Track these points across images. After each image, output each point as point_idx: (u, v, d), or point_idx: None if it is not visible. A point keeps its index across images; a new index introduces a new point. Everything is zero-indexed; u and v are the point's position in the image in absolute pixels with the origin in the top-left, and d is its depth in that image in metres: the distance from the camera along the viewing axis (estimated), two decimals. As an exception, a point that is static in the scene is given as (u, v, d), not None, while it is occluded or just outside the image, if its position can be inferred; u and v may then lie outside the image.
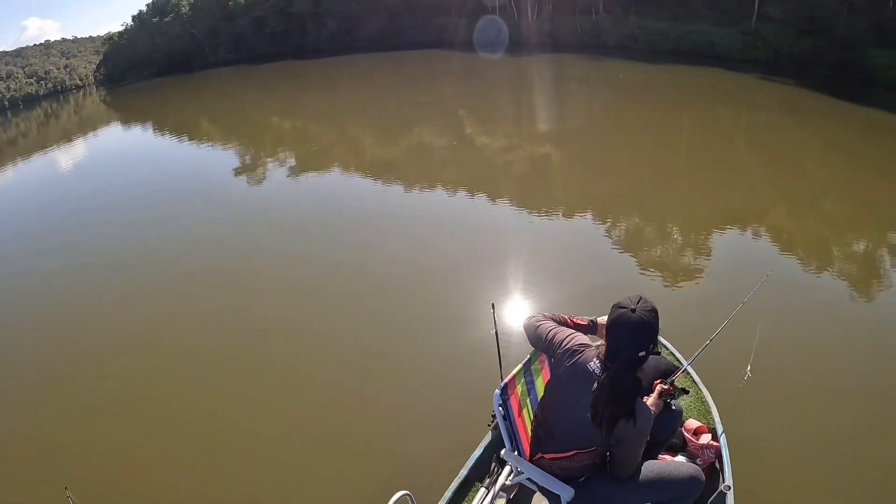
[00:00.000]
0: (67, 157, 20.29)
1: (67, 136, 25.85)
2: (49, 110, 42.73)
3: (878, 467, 3.72)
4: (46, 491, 3.96)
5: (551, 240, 7.81)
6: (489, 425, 3.19)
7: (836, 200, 8.79)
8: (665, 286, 6.32)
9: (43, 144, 24.79)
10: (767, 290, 3.76)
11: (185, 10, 51.28)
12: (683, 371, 3.14)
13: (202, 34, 49.43)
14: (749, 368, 3.62)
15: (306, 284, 7.03)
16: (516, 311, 5.69)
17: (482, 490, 2.80)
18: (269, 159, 14.87)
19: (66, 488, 3.08)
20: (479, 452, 3.10)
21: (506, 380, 2.69)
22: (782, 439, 3.92)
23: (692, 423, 3.18)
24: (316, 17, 45.44)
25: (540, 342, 2.50)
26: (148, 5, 55.08)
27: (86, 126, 29.56)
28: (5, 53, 57.88)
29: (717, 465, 2.99)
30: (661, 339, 3.56)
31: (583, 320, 2.58)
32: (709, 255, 6.98)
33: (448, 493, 2.90)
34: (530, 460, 2.55)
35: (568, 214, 8.68)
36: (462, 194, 9.89)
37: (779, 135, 12.76)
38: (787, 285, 5.94)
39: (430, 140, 15.00)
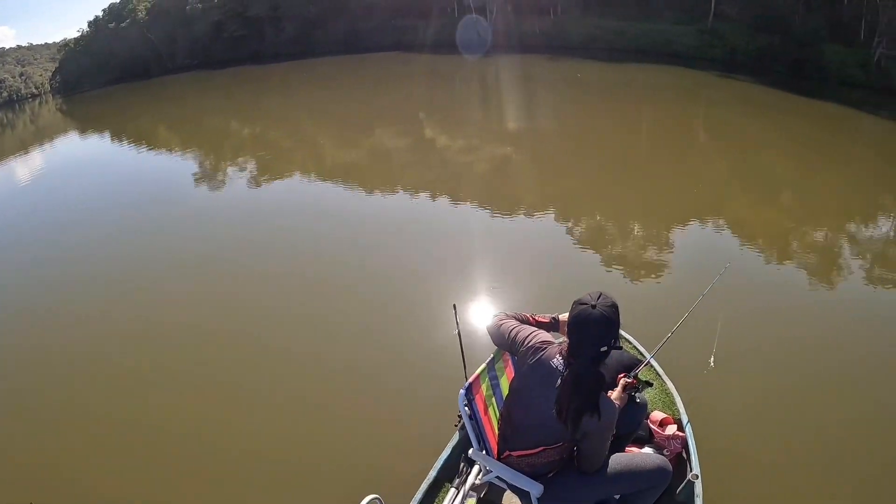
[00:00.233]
0: (25, 169, 19.39)
1: (24, 147, 24.80)
2: (4, 120, 40.98)
3: (841, 450, 3.83)
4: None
5: (513, 239, 7.83)
6: (456, 426, 3.17)
7: (794, 192, 9.09)
8: (627, 281, 6.41)
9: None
10: (728, 282, 3.87)
11: (141, 15, 50.08)
12: (647, 364, 3.19)
13: (160, 40, 48.37)
14: (712, 359, 3.71)
15: (263, 297, 6.82)
16: (479, 312, 5.68)
17: (452, 490, 2.78)
18: (228, 165, 14.53)
19: None
20: (448, 453, 3.09)
21: (470, 379, 2.70)
22: (746, 426, 4.01)
23: (658, 415, 3.23)
24: (274, 20, 44.92)
25: (503, 341, 2.50)
26: (104, 10, 53.70)
27: (43, 136, 28.40)
28: (-42, 62, 55.73)
29: (684, 455, 3.04)
30: (623, 333, 3.59)
31: (545, 318, 2.59)
32: (670, 250, 7.12)
33: (418, 495, 2.88)
34: (498, 458, 2.54)
35: (529, 214, 8.72)
36: (423, 196, 9.85)
37: (737, 130, 13.16)
38: (747, 276, 6.09)
39: (390, 143, 14.92)
